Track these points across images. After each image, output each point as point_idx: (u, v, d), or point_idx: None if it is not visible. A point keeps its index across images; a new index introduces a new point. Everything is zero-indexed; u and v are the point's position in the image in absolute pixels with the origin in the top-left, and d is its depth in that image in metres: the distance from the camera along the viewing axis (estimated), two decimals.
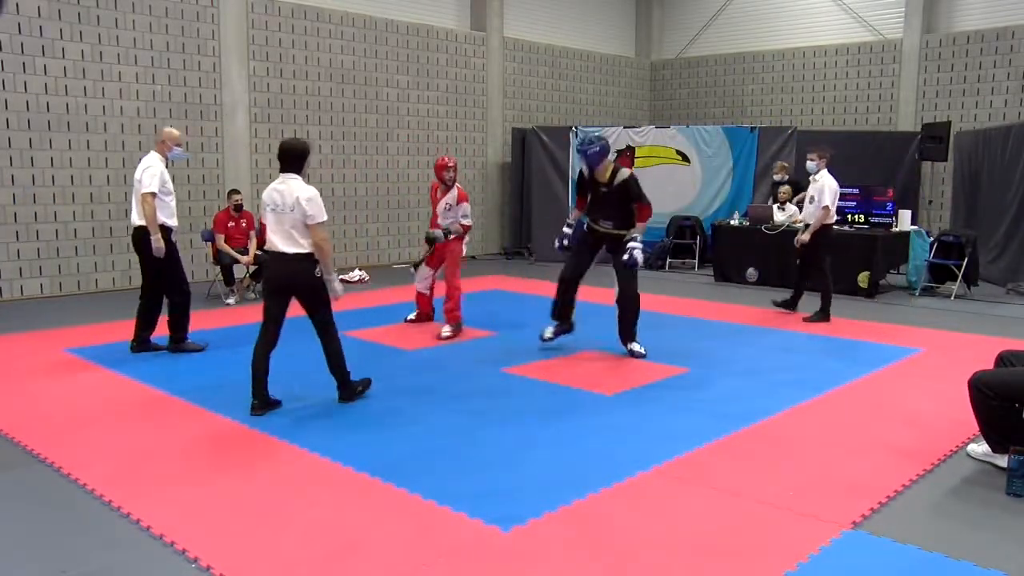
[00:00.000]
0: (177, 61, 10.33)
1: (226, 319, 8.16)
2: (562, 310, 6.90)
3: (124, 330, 7.51)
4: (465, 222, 7.45)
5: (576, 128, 13.36)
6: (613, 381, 5.90)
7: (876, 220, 10.19)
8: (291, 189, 4.91)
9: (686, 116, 16.57)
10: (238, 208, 9.24)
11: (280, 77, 11.37)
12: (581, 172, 6.89)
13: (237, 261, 9.10)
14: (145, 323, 6.66)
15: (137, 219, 6.40)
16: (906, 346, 7.09)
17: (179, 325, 6.66)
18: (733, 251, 11.05)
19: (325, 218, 4.97)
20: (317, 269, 4.99)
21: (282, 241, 4.95)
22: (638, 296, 6.68)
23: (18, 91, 9.14)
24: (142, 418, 5.01)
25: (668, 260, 12.48)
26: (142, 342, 6.67)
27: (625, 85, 16.96)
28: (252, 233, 9.31)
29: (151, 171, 6.28)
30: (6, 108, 9.07)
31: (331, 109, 11.96)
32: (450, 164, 7.43)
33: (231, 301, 9.06)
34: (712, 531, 3.49)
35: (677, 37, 17.16)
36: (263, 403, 5.08)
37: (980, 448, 4.35)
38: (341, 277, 11.08)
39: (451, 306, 7.38)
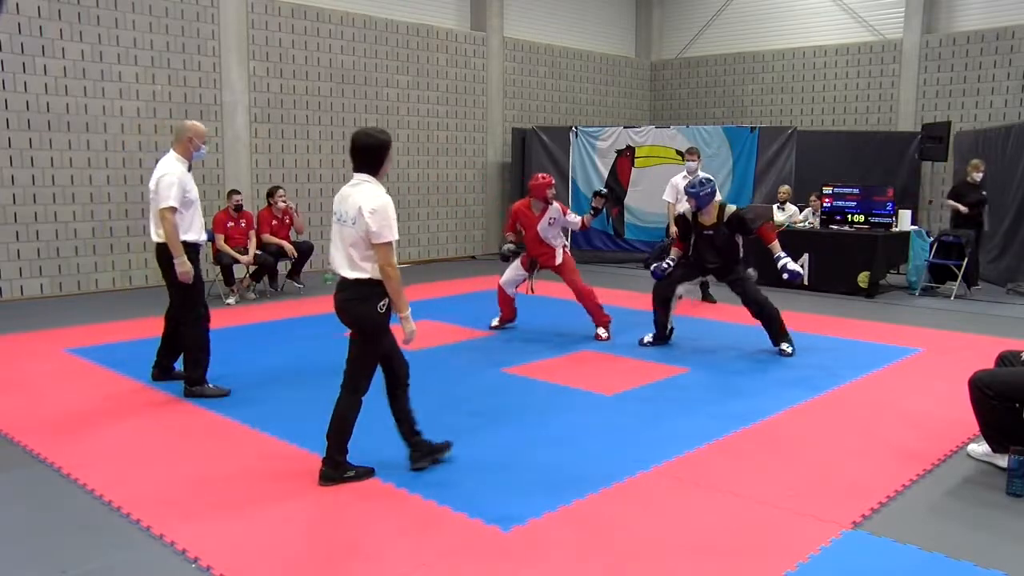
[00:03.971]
0: (177, 61, 10.33)
1: (226, 319, 8.15)
2: (661, 321, 7.05)
3: (124, 330, 7.54)
4: (576, 226, 7.46)
5: (576, 128, 13.37)
6: (613, 381, 5.90)
7: (876, 220, 10.18)
8: (357, 195, 3.87)
9: (686, 116, 16.58)
10: (238, 208, 9.25)
11: (280, 77, 11.37)
12: (683, 215, 7.02)
13: (237, 261, 9.11)
14: (170, 349, 5.74)
15: (154, 234, 5.38)
16: (906, 346, 7.09)
17: (197, 363, 5.46)
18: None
19: (395, 237, 3.84)
20: (382, 303, 3.90)
21: (340, 261, 3.94)
22: (767, 301, 6.82)
23: (18, 91, 9.14)
24: (142, 418, 5.00)
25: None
26: (165, 370, 5.77)
27: (625, 85, 16.96)
28: (251, 233, 9.33)
29: (167, 180, 5.20)
30: (6, 108, 9.06)
31: (331, 109, 11.96)
32: (552, 182, 7.41)
33: (231, 301, 9.06)
34: (712, 531, 3.49)
35: (677, 37, 17.16)
36: (416, 453, 4.16)
37: (980, 448, 4.35)
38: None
39: (595, 308, 7.37)
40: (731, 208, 6.81)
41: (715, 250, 6.85)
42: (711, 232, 6.81)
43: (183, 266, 5.27)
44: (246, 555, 3.28)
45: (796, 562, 3.20)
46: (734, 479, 4.05)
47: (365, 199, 3.82)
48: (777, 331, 6.83)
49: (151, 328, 7.47)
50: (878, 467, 4.23)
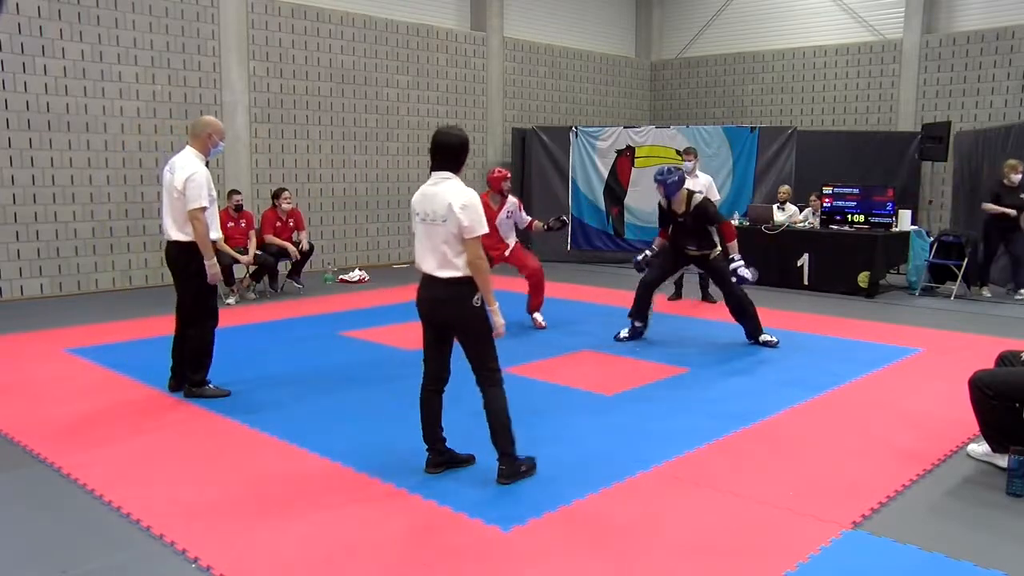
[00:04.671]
0: (177, 61, 10.33)
1: (226, 319, 8.12)
2: (638, 311, 7.21)
3: (124, 330, 7.54)
4: (524, 224, 7.78)
5: (576, 128, 13.36)
6: (613, 381, 5.90)
7: (876, 220, 10.18)
8: (444, 193, 3.88)
9: (686, 116, 16.57)
10: (238, 208, 9.26)
11: (280, 77, 11.37)
12: (660, 204, 7.23)
13: (237, 261, 9.11)
14: (184, 356, 5.51)
15: (174, 232, 5.24)
16: (906, 346, 7.08)
17: (201, 364, 5.39)
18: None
19: (485, 230, 3.89)
20: (477, 297, 3.92)
21: (431, 260, 3.93)
22: (746, 296, 7.08)
23: (18, 91, 9.14)
24: (142, 418, 5.00)
25: None
26: (183, 380, 5.49)
27: (625, 85, 16.96)
28: (251, 233, 9.34)
29: (195, 181, 5.09)
30: (6, 108, 9.06)
31: (331, 109, 11.96)
32: (508, 175, 7.72)
33: (231, 301, 9.06)
34: (712, 531, 3.49)
35: (677, 37, 17.16)
36: (437, 458, 4.13)
37: (980, 448, 4.35)
38: (341, 277, 11.19)
39: (539, 294, 7.75)
40: (698, 197, 7.05)
41: (689, 236, 7.09)
42: (682, 220, 7.03)
43: (214, 267, 5.25)
44: (246, 555, 3.27)
45: (796, 562, 3.20)
46: (734, 479, 4.05)
47: (455, 195, 3.86)
48: (756, 325, 7.05)
49: (151, 328, 7.50)
50: (878, 467, 4.23)
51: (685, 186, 7.07)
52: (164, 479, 4.04)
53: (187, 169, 5.13)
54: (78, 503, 3.78)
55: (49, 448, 4.44)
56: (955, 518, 3.70)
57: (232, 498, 3.82)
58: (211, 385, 5.42)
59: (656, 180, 6.98)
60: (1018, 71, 12.91)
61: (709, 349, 7.00)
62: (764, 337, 7.03)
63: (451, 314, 3.95)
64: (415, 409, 5.17)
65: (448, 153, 3.95)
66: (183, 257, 5.27)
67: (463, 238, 3.84)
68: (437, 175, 3.96)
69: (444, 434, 4.16)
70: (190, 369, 5.39)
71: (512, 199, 7.65)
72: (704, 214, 6.97)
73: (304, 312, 8.59)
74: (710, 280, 9.08)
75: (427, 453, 4.13)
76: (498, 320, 3.97)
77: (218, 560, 3.21)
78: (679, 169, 7.13)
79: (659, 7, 17.33)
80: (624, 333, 7.20)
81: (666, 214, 7.16)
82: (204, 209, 5.14)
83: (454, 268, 3.88)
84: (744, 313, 7.04)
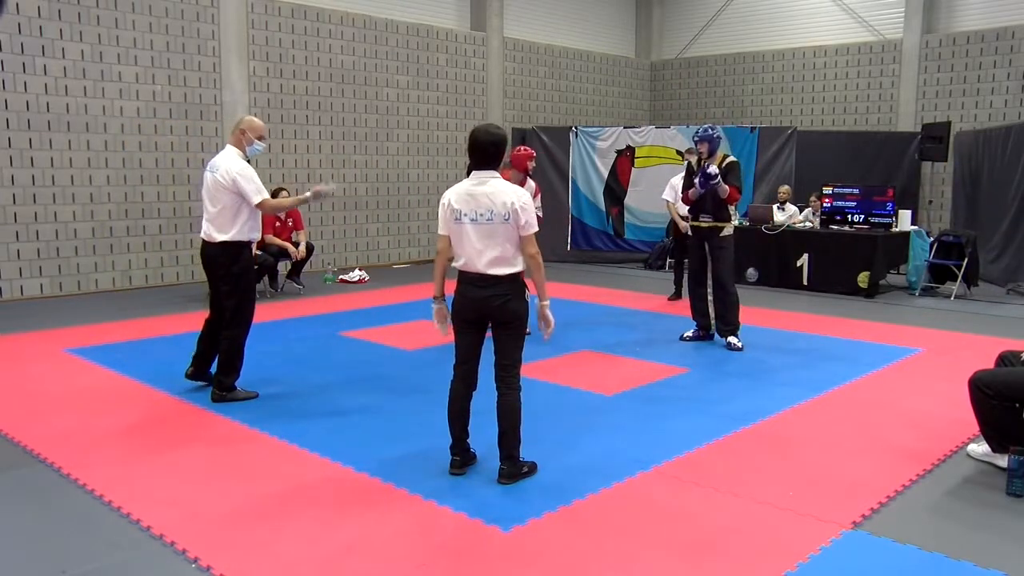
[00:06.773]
0: (177, 61, 10.33)
1: None
2: (696, 315, 7.33)
3: (124, 330, 7.54)
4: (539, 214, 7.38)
5: (576, 128, 13.37)
6: (613, 381, 5.90)
7: (876, 220, 10.19)
8: (498, 192, 3.89)
9: (686, 116, 16.57)
10: None
11: (280, 77, 11.37)
12: (690, 164, 7.31)
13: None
14: (210, 349, 5.51)
15: (216, 233, 5.16)
16: (906, 346, 7.09)
17: (232, 367, 5.32)
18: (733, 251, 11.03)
19: (537, 228, 4.00)
20: (527, 293, 3.93)
21: (484, 259, 3.92)
22: (735, 292, 7.10)
23: (18, 91, 9.13)
24: (142, 418, 5.00)
25: (668, 260, 12.48)
26: (202, 372, 5.57)
27: (625, 85, 16.96)
28: None
29: (245, 176, 5.09)
30: (6, 108, 9.06)
31: (331, 109, 11.96)
32: (535, 154, 7.25)
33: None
34: (712, 531, 3.49)
35: (677, 37, 17.16)
36: (466, 458, 4.19)
37: (980, 448, 4.35)
38: (341, 277, 11.19)
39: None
40: (732, 158, 7.17)
41: (709, 199, 7.05)
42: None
43: (321, 193, 5.34)
44: (246, 555, 3.27)
45: (796, 562, 3.20)
46: (734, 479, 4.05)
47: (513, 194, 3.92)
48: (731, 321, 7.03)
49: (151, 328, 7.51)
50: (878, 467, 4.23)
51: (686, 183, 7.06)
52: (164, 479, 4.04)
53: (233, 167, 5.11)
54: (78, 503, 3.78)
55: (49, 448, 4.44)
56: (955, 518, 3.70)
57: (232, 498, 3.82)
58: (239, 388, 5.36)
59: (697, 136, 7.02)
60: (1018, 71, 12.91)
61: (709, 349, 7.00)
62: (732, 339, 6.97)
63: (500, 309, 3.95)
64: (415, 409, 5.20)
65: (491, 151, 3.94)
66: (225, 258, 5.20)
67: (522, 235, 3.93)
68: (480, 174, 3.95)
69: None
70: (221, 372, 5.30)
71: (531, 183, 7.02)
72: (730, 171, 6.99)
73: (304, 312, 8.59)
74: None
75: (454, 456, 4.14)
76: (550, 314, 4.04)
77: (218, 560, 3.21)
78: (717, 127, 7.27)
79: (659, 7, 17.33)
80: (689, 333, 7.30)
81: (693, 174, 7.14)
82: (265, 199, 5.16)
83: (511, 265, 3.94)
84: (726, 304, 6.99)
